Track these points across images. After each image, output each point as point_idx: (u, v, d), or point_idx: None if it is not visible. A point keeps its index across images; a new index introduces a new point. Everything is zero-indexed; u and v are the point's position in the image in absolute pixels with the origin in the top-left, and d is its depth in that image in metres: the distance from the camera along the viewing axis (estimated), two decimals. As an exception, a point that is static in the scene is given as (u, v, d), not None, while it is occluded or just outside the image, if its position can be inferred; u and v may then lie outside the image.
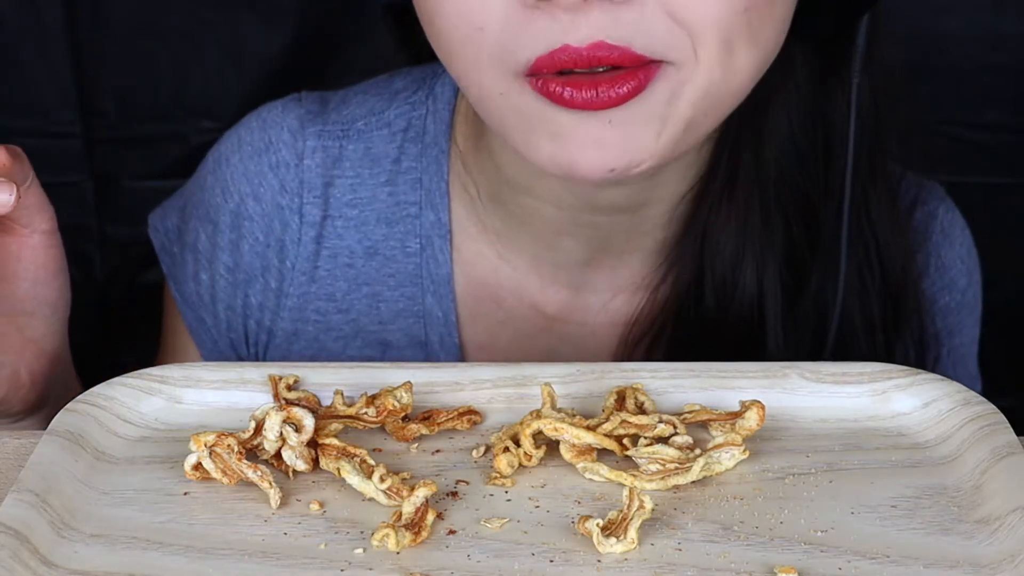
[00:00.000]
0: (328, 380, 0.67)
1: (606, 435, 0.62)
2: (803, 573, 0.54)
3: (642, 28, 0.66)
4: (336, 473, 0.60)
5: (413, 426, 0.64)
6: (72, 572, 0.55)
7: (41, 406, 0.75)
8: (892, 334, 0.88)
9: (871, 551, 0.56)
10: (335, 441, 0.62)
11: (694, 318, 0.85)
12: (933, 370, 0.90)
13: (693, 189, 0.83)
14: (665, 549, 0.56)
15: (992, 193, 1.20)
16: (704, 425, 0.65)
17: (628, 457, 0.62)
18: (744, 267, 0.84)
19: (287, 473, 0.61)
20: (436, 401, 0.67)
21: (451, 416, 0.65)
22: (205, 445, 0.60)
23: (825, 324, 0.84)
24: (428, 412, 0.66)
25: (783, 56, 0.78)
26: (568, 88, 0.68)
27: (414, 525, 0.56)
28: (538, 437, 0.62)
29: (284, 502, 0.59)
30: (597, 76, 0.67)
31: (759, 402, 0.64)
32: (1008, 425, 0.62)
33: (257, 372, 0.68)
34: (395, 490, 0.59)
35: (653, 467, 0.61)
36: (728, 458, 0.61)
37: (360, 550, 0.56)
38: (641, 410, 0.65)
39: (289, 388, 0.66)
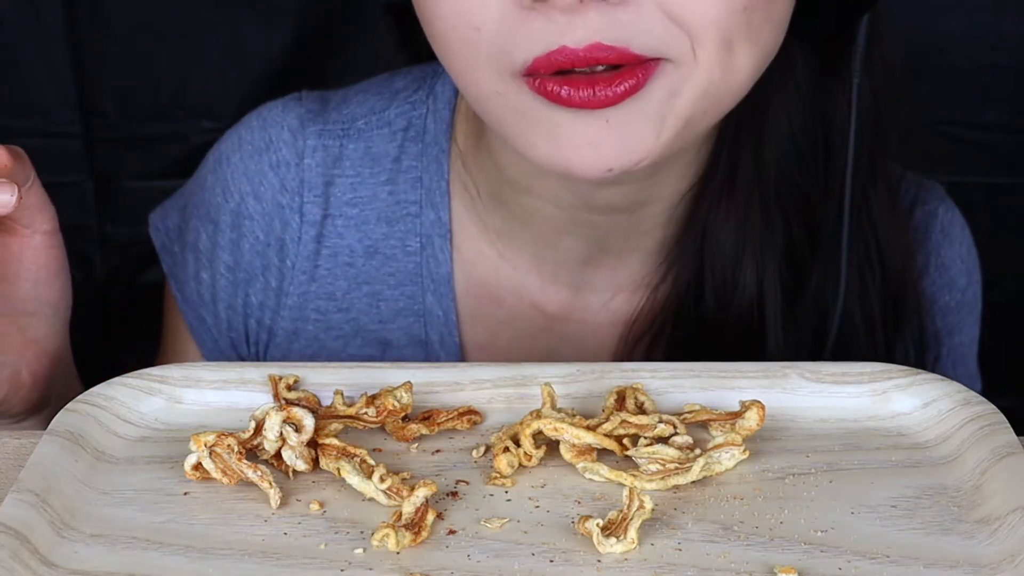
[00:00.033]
0: (328, 380, 0.67)
1: (606, 435, 0.62)
2: (803, 573, 0.54)
3: (639, 28, 0.67)
4: (336, 473, 0.60)
5: (413, 426, 0.64)
6: (72, 572, 0.55)
7: (42, 406, 0.75)
8: (892, 333, 0.88)
9: (871, 551, 0.56)
10: (335, 441, 0.62)
11: (694, 317, 0.85)
12: (933, 369, 0.90)
13: (693, 188, 0.84)
14: (665, 549, 0.56)
15: (992, 193, 1.20)
16: (704, 425, 0.65)
17: (628, 457, 0.62)
18: (744, 266, 0.84)
19: (287, 473, 0.61)
20: (436, 401, 0.67)
21: (451, 416, 0.65)
22: (205, 445, 0.60)
23: (825, 323, 0.84)
24: (428, 412, 0.66)
25: (783, 56, 0.78)
26: (566, 87, 0.68)
27: (414, 525, 0.56)
28: (538, 437, 0.62)
29: (284, 502, 0.59)
30: (595, 75, 0.68)
31: (759, 402, 0.64)
32: (1008, 425, 0.62)
33: (257, 372, 0.68)
34: (395, 490, 0.59)
35: (653, 467, 0.61)
36: (728, 458, 0.61)
37: (360, 550, 0.56)
38: (641, 410, 0.65)
39: (289, 388, 0.66)
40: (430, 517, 0.57)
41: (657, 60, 0.68)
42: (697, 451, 0.62)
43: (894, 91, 0.84)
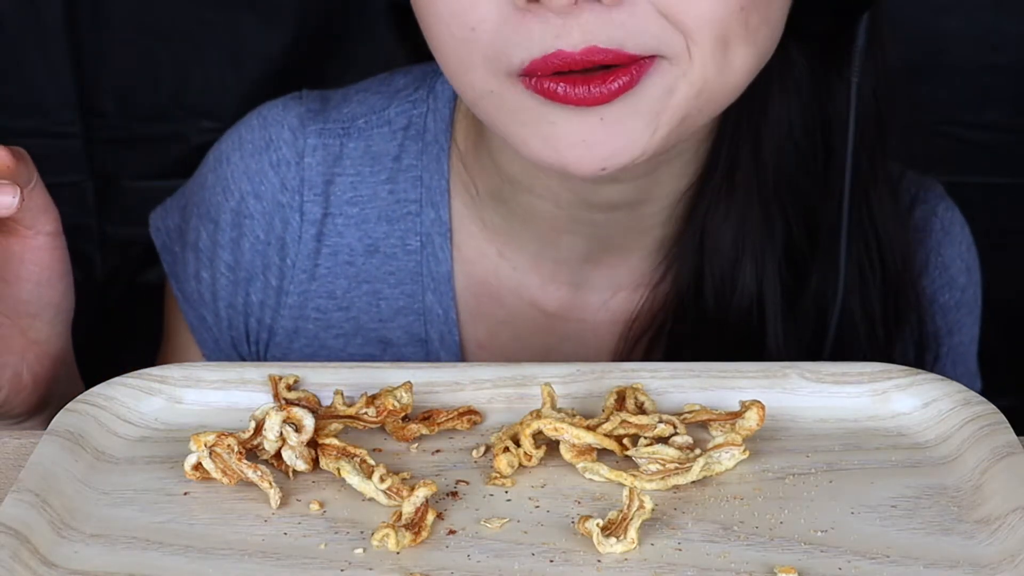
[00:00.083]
0: (328, 380, 0.67)
1: (606, 435, 0.62)
2: (803, 573, 0.54)
3: (634, 28, 0.67)
4: (336, 473, 0.60)
5: (413, 426, 0.64)
6: (72, 572, 0.55)
7: (44, 408, 0.75)
8: (892, 332, 0.88)
9: (871, 551, 0.56)
10: (335, 441, 0.62)
11: (694, 316, 0.85)
12: (932, 368, 0.90)
13: (692, 187, 0.84)
14: (665, 549, 0.56)
15: (992, 193, 1.20)
16: (704, 425, 0.65)
17: (628, 457, 0.62)
18: (744, 265, 0.84)
19: (287, 473, 0.61)
20: (436, 401, 0.67)
21: (451, 416, 0.65)
22: (205, 445, 0.60)
23: (825, 322, 0.84)
24: (428, 412, 0.65)
25: (783, 55, 0.78)
26: (562, 84, 0.68)
27: (414, 525, 0.56)
28: (538, 437, 0.62)
29: (284, 502, 0.59)
30: (590, 74, 0.68)
31: (759, 402, 0.64)
32: (1008, 425, 0.62)
33: (257, 372, 0.68)
34: (395, 490, 0.59)
35: (653, 467, 0.61)
36: (728, 458, 0.61)
37: (360, 550, 0.56)
38: (641, 410, 0.65)
39: (289, 388, 0.66)
40: (430, 517, 0.57)
41: (652, 57, 0.68)
42: (697, 451, 0.62)
43: (894, 91, 0.84)
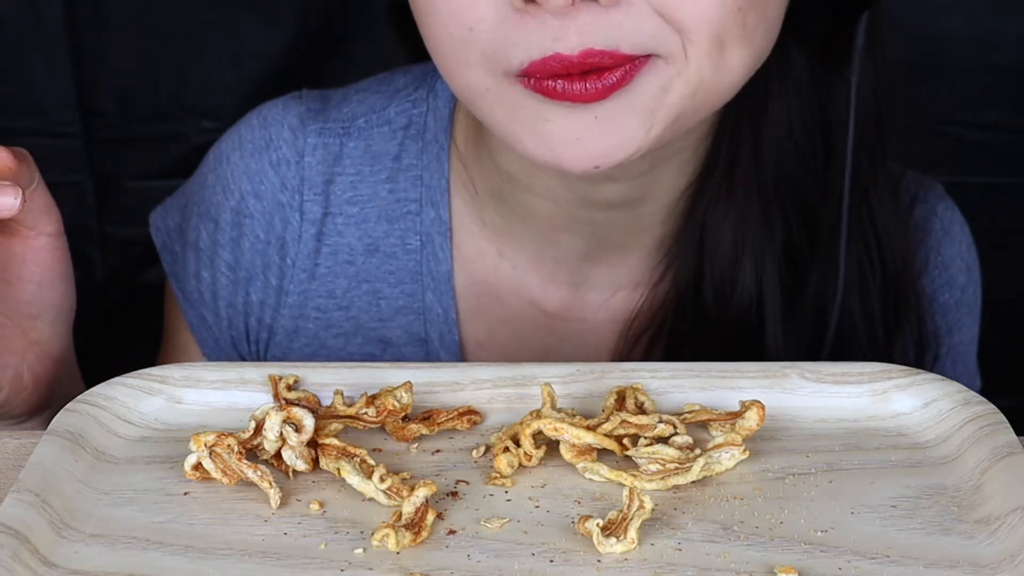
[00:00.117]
0: (328, 380, 0.67)
1: (606, 435, 0.62)
2: (803, 573, 0.54)
3: (630, 28, 0.67)
4: (336, 473, 0.60)
5: (413, 426, 0.64)
6: (72, 572, 0.55)
7: (45, 408, 0.75)
8: (892, 331, 0.88)
9: (871, 551, 0.56)
10: (335, 441, 0.62)
11: (693, 315, 0.85)
12: (932, 368, 0.90)
13: (691, 185, 0.84)
14: (665, 549, 0.56)
15: (992, 193, 1.20)
16: (704, 425, 0.65)
17: (628, 457, 0.62)
18: (743, 264, 0.84)
19: (287, 473, 0.61)
20: (436, 401, 0.67)
21: (451, 416, 0.65)
22: (205, 445, 0.60)
23: (824, 321, 0.84)
24: (428, 412, 0.65)
25: (782, 54, 0.78)
26: (560, 81, 0.68)
27: (414, 525, 0.56)
28: (538, 437, 0.62)
29: (284, 502, 0.59)
30: (587, 73, 0.68)
31: (759, 402, 0.64)
32: (1008, 425, 0.62)
33: (257, 372, 0.68)
34: (395, 490, 0.59)
35: (653, 467, 0.61)
36: (728, 458, 0.61)
37: (360, 550, 0.56)
38: (641, 410, 0.65)
39: (289, 388, 0.66)
40: (430, 517, 0.57)
41: (648, 57, 0.68)
42: (697, 451, 0.62)
43: (894, 90, 0.84)
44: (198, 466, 0.60)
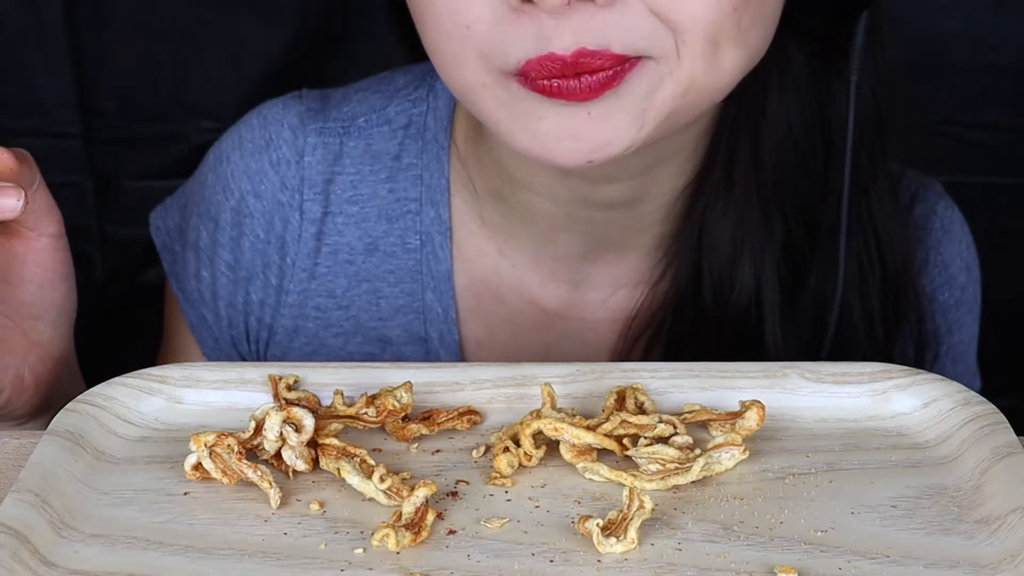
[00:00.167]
0: (328, 380, 0.67)
1: (606, 435, 0.62)
2: (803, 573, 0.54)
3: (624, 28, 0.67)
4: (336, 473, 0.60)
5: (413, 426, 0.64)
6: (72, 572, 0.55)
7: (46, 409, 0.75)
8: (892, 330, 0.88)
9: (871, 551, 0.56)
10: (335, 441, 0.62)
11: (693, 314, 0.85)
12: (932, 367, 0.90)
13: (690, 185, 0.84)
14: (665, 549, 0.56)
15: (992, 193, 1.20)
16: (704, 425, 0.65)
17: (628, 457, 0.62)
18: (742, 263, 0.84)
19: (287, 473, 0.61)
20: (436, 401, 0.67)
21: (451, 416, 0.65)
22: (205, 445, 0.60)
23: (824, 320, 0.84)
24: (428, 412, 0.65)
25: (782, 53, 0.78)
26: (555, 80, 0.68)
27: (414, 525, 0.56)
28: (538, 437, 0.62)
29: (284, 502, 0.59)
30: (579, 73, 0.68)
31: (759, 402, 0.64)
32: (1008, 425, 0.62)
33: (257, 372, 0.68)
34: (395, 490, 0.59)
35: (653, 467, 0.61)
36: (728, 458, 0.61)
37: (360, 550, 0.56)
38: (641, 410, 0.65)
39: (289, 388, 0.66)
40: (430, 517, 0.57)
41: (638, 58, 0.68)
42: (697, 451, 0.62)
43: (894, 90, 0.84)
44: (198, 466, 0.60)
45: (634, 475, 0.60)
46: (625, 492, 0.57)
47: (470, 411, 0.66)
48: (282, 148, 0.89)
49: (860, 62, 0.79)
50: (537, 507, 0.59)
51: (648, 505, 0.56)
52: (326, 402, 0.66)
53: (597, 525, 0.56)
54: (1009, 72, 1.18)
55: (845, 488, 0.60)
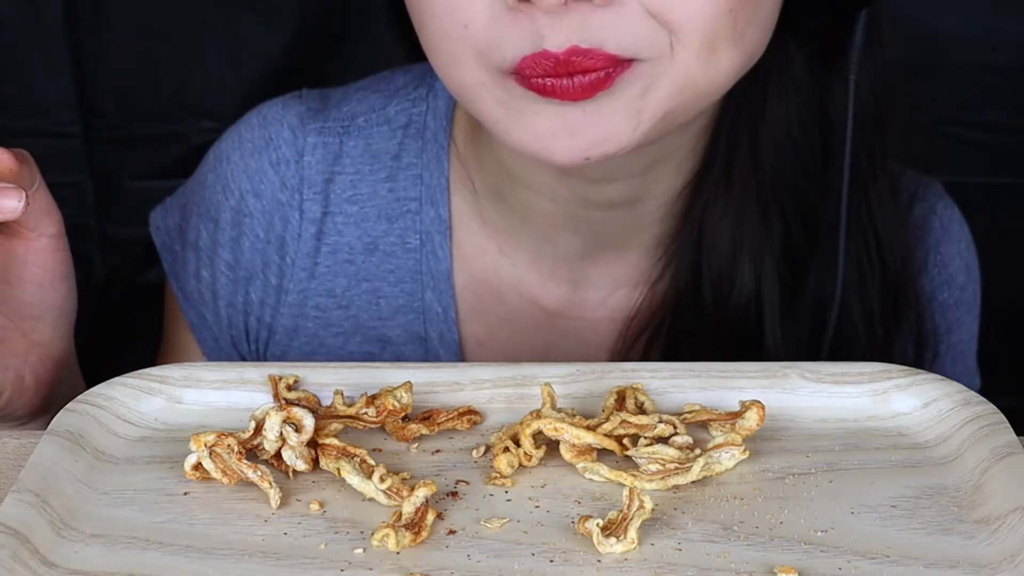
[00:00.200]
0: (328, 380, 0.67)
1: (606, 435, 0.62)
2: (803, 573, 0.54)
3: (618, 29, 0.67)
4: (336, 473, 0.60)
5: (413, 426, 0.64)
6: (72, 572, 0.55)
7: (46, 410, 0.75)
8: (891, 329, 0.88)
9: (871, 551, 0.56)
10: (335, 441, 0.62)
11: (692, 313, 0.85)
12: (932, 366, 0.90)
13: (689, 184, 0.84)
14: (665, 549, 0.56)
15: (992, 193, 1.20)
16: (704, 425, 0.65)
17: (628, 457, 0.62)
18: (741, 263, 0.84)
19: (287, 473, 0.61)
20: (436, 401, 0.67)
21: (451, 416, 0.65)
22: (205, 445, 0.60)
23: (823, 319, 0.84)
24: (428, 412, 0.65)
25: (781, 52, 0.78)
26: (549, 79, 0.68)
27: (414, 525, 0.56)
28: (538, 437, 0.62)
29: (284, 502, 0.59)
30: (573, 73, 0.68)
31: (759, 402, 0.64)
32: (1008, 425, 0.62)
33: (257, 372, 0.68)
34: (395, 490, 0.59)
35: (653, 467, 0.61)
36: (728, 458, 0.61)
37: (360, 550, 0.56)
38: (641, 410, 0.65)
39: (289, 388, 0.66)
40: (430, 517, 0.57)
41: (630, 60, 0.68)
42: (697, 451, 0.62)
43: (893, 89, 0.84)
44: (198, 466, 0.60)
45: (634, 475, 0.60)
46: (625, 492, 0.57)
47: (470, 411, 0.66)
48: (282, 148, 0.89)
49: (859, 61, 0.80)
50: (537, 507, 0.59)
51: (648, 505, 0.56)
52: (326, 402, 0.66)
53: (597, 525, 0.56)
54: (1009, 72, 1.18)
55: (845, 488, 0.60)
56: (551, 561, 0.55)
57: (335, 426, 0.64)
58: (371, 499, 0.59)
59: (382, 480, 0.58)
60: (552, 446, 0.62)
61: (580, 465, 0.61)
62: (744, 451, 0.61)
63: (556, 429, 0.61)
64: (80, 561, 0.55)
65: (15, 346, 0.73)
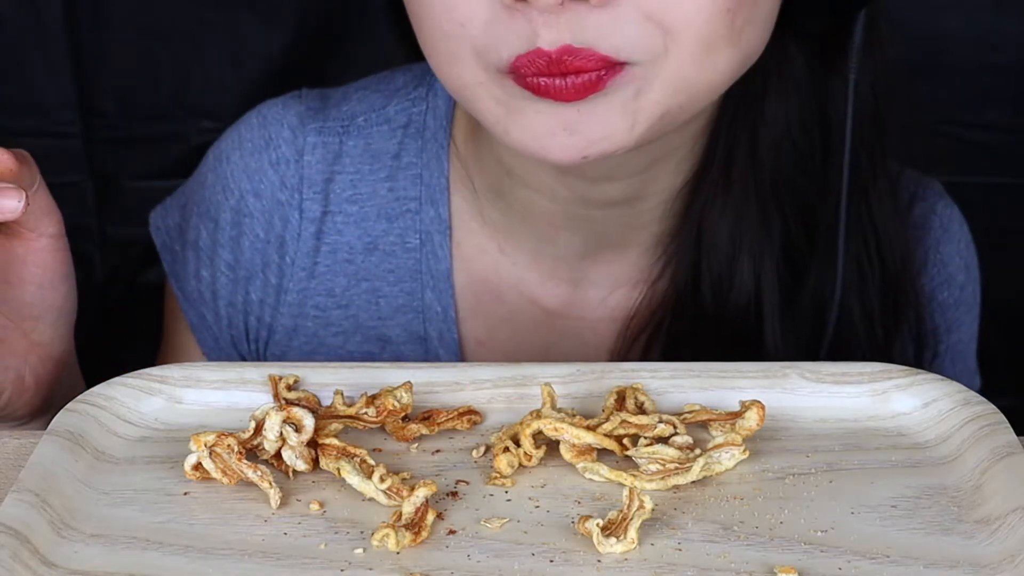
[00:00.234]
0: (328, 380, 0.67)
1: (606, 435, 0.62)
2: (803, 573, 0.54)
3: (612, 30, 0.67)
4: (336, 473, 0.60)
5: (413, 426, 0.64)
6: (72, 572, 0.55)
7: (46, 410, 0.75)
8: (891, 329, 0.88)
9: (871, 551, 0.56)
10: (335, 441, 0.62)
11: (692, 313, 0.86)
12: (931, 366, 0.90)
13: (688, 183, 0.84)
14: (665, 549, 0.56)
15: (992, 193, 1.20)
16: (704, 425, 0.65)
17: (628, 457, 0.62)
18: (741, 262, 0.84)
19: (287, 473, 0.61)
20: (436, 401, 0.67)
21: (451, 416, 0.65)
22: (205, 445, 0.60)
23: (823, 319, 0.84)
24: (428, 412, 0.65)
25: (780, 52, 0.78)
26: (543, 78, 0.68)
27: (414, 525, 0.56)
28: (538, 437, 0.62)
29: (284, 502, 0.59)
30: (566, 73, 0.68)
31: (759, 402, 0.64)
32: (1008, 425, 0.62)
33: (257, 372, 0.68)
34: (395, 490, 0.59)
35: (653, 467, 0.61)
36: (728, 458, 0.61)
37: (360, 550, 0.56)
38: (641, 410, 0.65)
39: (289, 388, 0.66)
40: (430, 517, 0.57)
41: (622, 64, 0.68)
42: (697, 451, 0.62)
43: (893, 88, 0.85)
44: (198, 466, 0.60)
45: (634, 475, 0.60)
46: (625, 492, 0.57)
47: (470, 411, 0.66)
48: (281, 147, 0.89)
49: (859, 61, 0.80)
50: (537, 507, 0.59)
51: (648, 505, 0.56)
52: (326, 402, 0.66)
53: (597, 525, 0.56)
54: (1009, 72, 1.18)
55: (845, 488, 0.60)
56: (551, 561, 0.55)
57: (335, 426, 0.64)
58: (371, 499, 0.59)
59: (382, 480, 0.58)
60: (552, 446, 0.62)
61: (580, 465, 0.61)
62: (744, 451, 0.61)
63: (556, 429, 0.61)
64: (80, 561, 0.55)
65: (15, 346, 0.73)
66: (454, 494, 0.60)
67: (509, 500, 0.60)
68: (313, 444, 0.62)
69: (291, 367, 0.68)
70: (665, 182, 0.83)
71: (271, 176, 0.89)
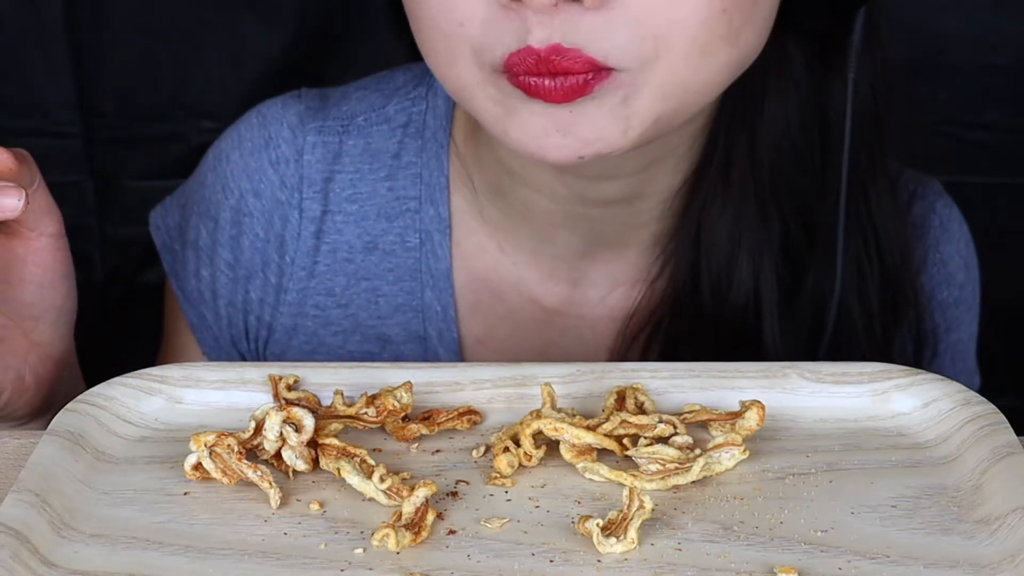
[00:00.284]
0: (328, 380, 0.67)
1: (606, 435, 0.62)
2: (803, 573, 0.54)
3: (603, 34, 0.67)
4: (336, 473, 0.60)
5: (413, 426, 0.64)
6: (72, 572, 0.55)
7: (46, 410, 0.75)
8: (891, 328, 0.88)
9: (871, 551, 0.56)
10: (335, 441, 0.62)
11: (691, 312, 0.86)
12: (931, 365, 0.90)
13: (687, 182, 0.84)
14: (665, 549, 0.56)
15: (992, 193, 1.20)
16: (704, 425, 0.65)
17: (628, 457, 0.62)
18: (740, 261, 0.84)
19: (287, 473, 0.61)
20: (436, 401, 0.67)
21: (451, 416, 0.65)
22: (205, 445, 0.60)
23: (822, 318, 0.84)
24: (428, 412, 0.66)
25: (779, 51, 0.78)
26: (533, 77, 0.69)
27: (414, 525, 0.56)
28: (538, 437, 0.62)
29: (284, 502, 0.59)
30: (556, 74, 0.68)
31: (759, 402, 0.64)
32: (1008, 425, 0.62)
33: (257, 372, 0.68)
34: (395, 490, 0.59)
35: (653, 467, 0.61)
36: (728, 458, 0.61)
37: (360, 550, 0.56)
38: (641, 410, 0.65)
39: (289, 388, 0.66)
40: (430, 517, 0.57)
41: (609, 70, 0.68)
42: (697, 451, 0.62)
43: (892, 88, 0.85)
44: (198, 466, 0.60)
45: (634, 475, 0.60)
46: (625, 492, 0.57)
47: (470, 411, 0.66)
48: (281, 147, 0.89)
49: (858, 60, 0.80)
50: (537, 507, 0.59)
51: (648, 505, 0.56)
52: (326, 402, 0.66)
53: (597, 525, 0.56)
54: (1009, 72, 1.18)
55: (845, 488, 0.60)
56: (551, 561, 0.55)
57: (335, 426, 0.64)
58: (371, 499, 0.59)
59: (382, 480, 0.58)
60: (552, 446, 0.62)
61: (580, 465, 0.61)
62: (744, 451, 0.61)
63: (556, 429, 0.61)
64: (80, 561, 0.55)
65: (15, 346, 0.73)
66: (454, 494, 0.60)
67: (509, 500, 0.60)
68: (313, 444, 0.62)
69: (291, 367, 0.68)
70: (664, 181, 0.83)
71: (271, 175, 0.89)
